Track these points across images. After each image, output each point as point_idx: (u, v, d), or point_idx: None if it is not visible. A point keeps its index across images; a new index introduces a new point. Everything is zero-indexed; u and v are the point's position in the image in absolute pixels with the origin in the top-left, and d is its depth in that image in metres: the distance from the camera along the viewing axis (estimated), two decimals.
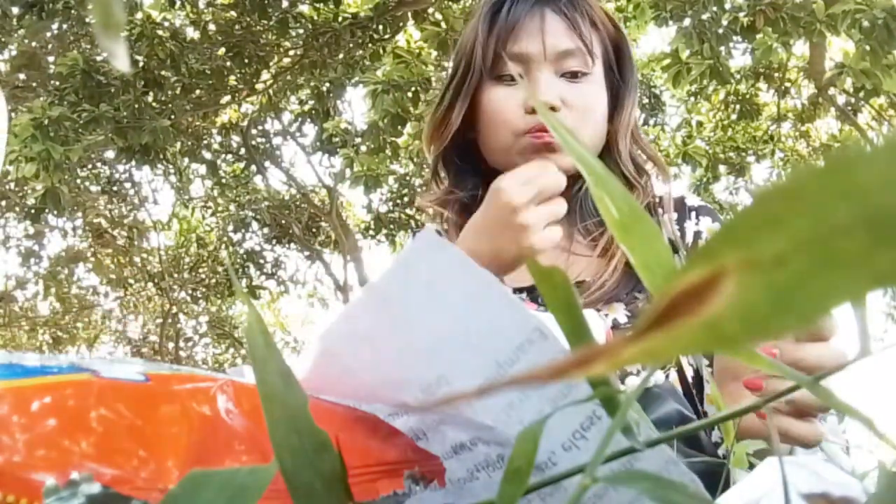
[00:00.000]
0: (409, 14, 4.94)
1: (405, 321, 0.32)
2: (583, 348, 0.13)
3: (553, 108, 0.85)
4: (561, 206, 0.76)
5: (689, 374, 0.82)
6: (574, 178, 0.90)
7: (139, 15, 4.70)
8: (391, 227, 7.09)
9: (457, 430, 0.35)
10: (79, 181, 6.59)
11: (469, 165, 0.95)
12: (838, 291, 0.11)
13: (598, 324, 0.54)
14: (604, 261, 0.85)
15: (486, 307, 0.31)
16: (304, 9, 5.04)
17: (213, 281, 8.07)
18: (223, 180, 7.46)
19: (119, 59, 0.23)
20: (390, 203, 7.16)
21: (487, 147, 0.91)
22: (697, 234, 0.87)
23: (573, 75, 0.87)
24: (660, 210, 0.90)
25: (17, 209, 6.61)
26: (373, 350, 0.33)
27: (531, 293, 0.86)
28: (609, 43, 0.91)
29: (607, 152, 0.92)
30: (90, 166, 6.68)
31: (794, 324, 0.11)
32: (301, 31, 5.12)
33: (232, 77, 5.39)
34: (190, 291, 8.30)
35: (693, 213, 0.89)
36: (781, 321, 0.11)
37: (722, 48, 4.30)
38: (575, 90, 0.87)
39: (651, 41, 16.72)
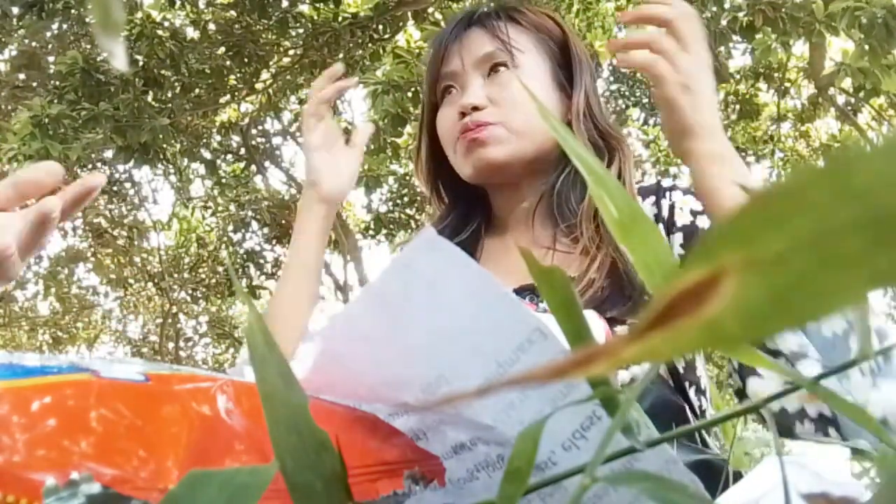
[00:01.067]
0: (409, 14, 4.93)
1: (405, 321, 0.32)
2: (583, 348, 0.13)
3: (476, 108, 0.90)
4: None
5: (681, 365, 0.82)
6: (544, 174, 0.93)
7: (139, 14, 4.70)
8: (391, 227, 7.09)
9: (457, 430, 0.35)
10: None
11: (455, 189, 1.00)
12: (838, 291, 0.11)
13: (598, 324, 0.54)
14: (585, 259, 0.86)
15: (486, 307, 0.31)
16: (304, 8, 5.04)
17: (213, 281, 8.07)
18: (223, 180, 7.45)
19: (118, 58, 0.23)
20: (390, 203, 7.16)
21: (453, 165, 0.96)
22: (672, 207, 0.89)
23: (495, 69, 0.92)
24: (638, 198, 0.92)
25: (17, 209, 6.59)
26: (373, 350, 0.33)
27: (521, 294, 0.86)
28: (552, 41, 0.96)
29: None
30: (90, 166, 6.68)
31: (793, 323, 0.11)
32: (301, 30, 5.11)
33: (231, 77, 5.39)
34: (190, 291, 8.29)
35: (667, 193, 0.92)
36: (781, 321, 0.11)
37: (721, 48, 4.29)
38: (500, 87, 0.91)
39: None
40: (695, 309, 0.11)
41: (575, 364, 0.12)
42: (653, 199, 0.92)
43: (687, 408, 0.80)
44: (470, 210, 1.00)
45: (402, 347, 0.33)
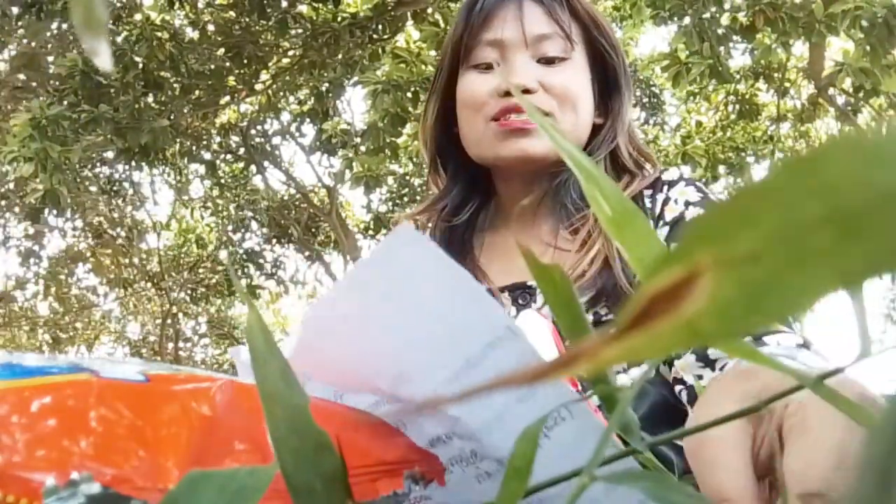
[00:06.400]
0: (409, 14, 4.93)
1: (377, 311, 0.32)
2: (569, 349, 0.13)
3: (527, 91, 0.83)
4: None
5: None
6: (554, 167, 0.86)
7: (138, 16, 4.70)
8: (391, 227, 7.08)
9: (433, 424, 0.35)
10: (78, 181, 6.58)
11: (457, 165, 0.93)
12: (810, 287, 0.11)
13: (542, 323, 0.52)
14: (581, 253, 0.82)
15: (458, 303, 0.32)
16: (304, 9, 5.04)
17: (213, 281, 8.07)
18: (222, 181, 7.46)
19: (103, 58, 0.23)
20: (390, 203, 7.17)
21: (465, 138, 0.89)
22: (665, 202, 0.85)
23: (550, 61, 0.85)
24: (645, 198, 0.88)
25: (17, 209, 6.60)
26: (349, 335, 0.33)
27: (513, 292, 0.85)
28: (601, 37, 0.90)
29: (612, 151, 0.91)
30: (90, 167, 6.67)
31: (768, 320, 0.11)
32: (300, 31, 5.11)
33: (231, 77, 5.39)
34: (189, 292, 8.29)
35: (664, 186, 0.87)
36: (756, 318, 0.11)
37: (721, 48, 4.30)
38: (553, 74, 0.85)
39: (650, 40, 16.80)
40: (672, 308, 0.11)
41: (557, 366, 0.12)
42: (650, 192, 0.87)
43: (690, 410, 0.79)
44: (469, 191, 0.93)
45: (372, 338, 0.33)
